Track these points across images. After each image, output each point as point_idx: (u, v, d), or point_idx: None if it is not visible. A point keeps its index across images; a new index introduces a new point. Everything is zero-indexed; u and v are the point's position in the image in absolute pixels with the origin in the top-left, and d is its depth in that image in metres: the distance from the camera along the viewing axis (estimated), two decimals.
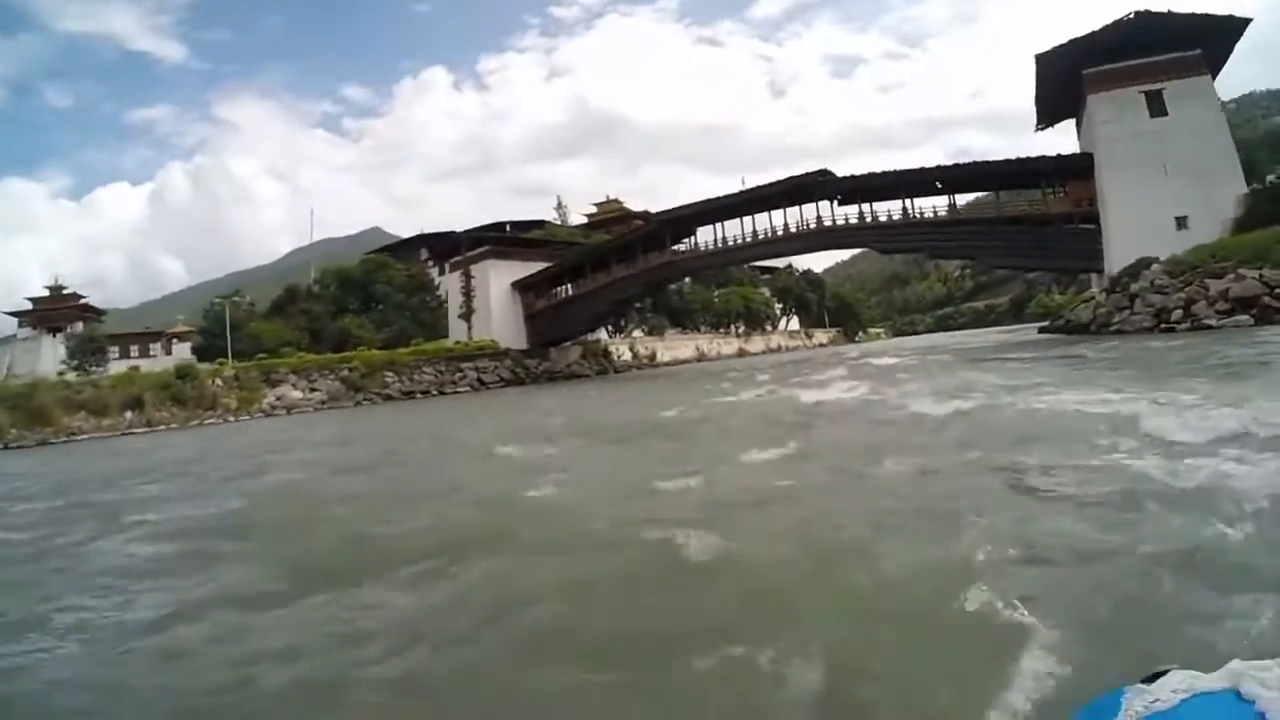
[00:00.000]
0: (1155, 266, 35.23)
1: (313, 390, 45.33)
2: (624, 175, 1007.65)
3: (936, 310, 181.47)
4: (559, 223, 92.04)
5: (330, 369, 47.40)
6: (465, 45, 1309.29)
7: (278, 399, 43.58)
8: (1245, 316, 27.99)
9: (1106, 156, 41.47)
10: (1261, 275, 29.34)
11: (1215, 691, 0.95)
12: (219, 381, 43.07)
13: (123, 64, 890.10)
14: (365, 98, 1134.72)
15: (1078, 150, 47.32)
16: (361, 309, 66.82)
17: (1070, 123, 53.26)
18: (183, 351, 63.39)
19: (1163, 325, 31.18)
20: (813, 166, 48.43)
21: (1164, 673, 1.02)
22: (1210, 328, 28.06)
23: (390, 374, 48.89)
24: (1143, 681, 1.02)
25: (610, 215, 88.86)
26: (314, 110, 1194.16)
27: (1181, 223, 38.53)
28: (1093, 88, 42.72)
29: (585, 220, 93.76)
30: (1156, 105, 41.26)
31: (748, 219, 52.04)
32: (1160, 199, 38.87)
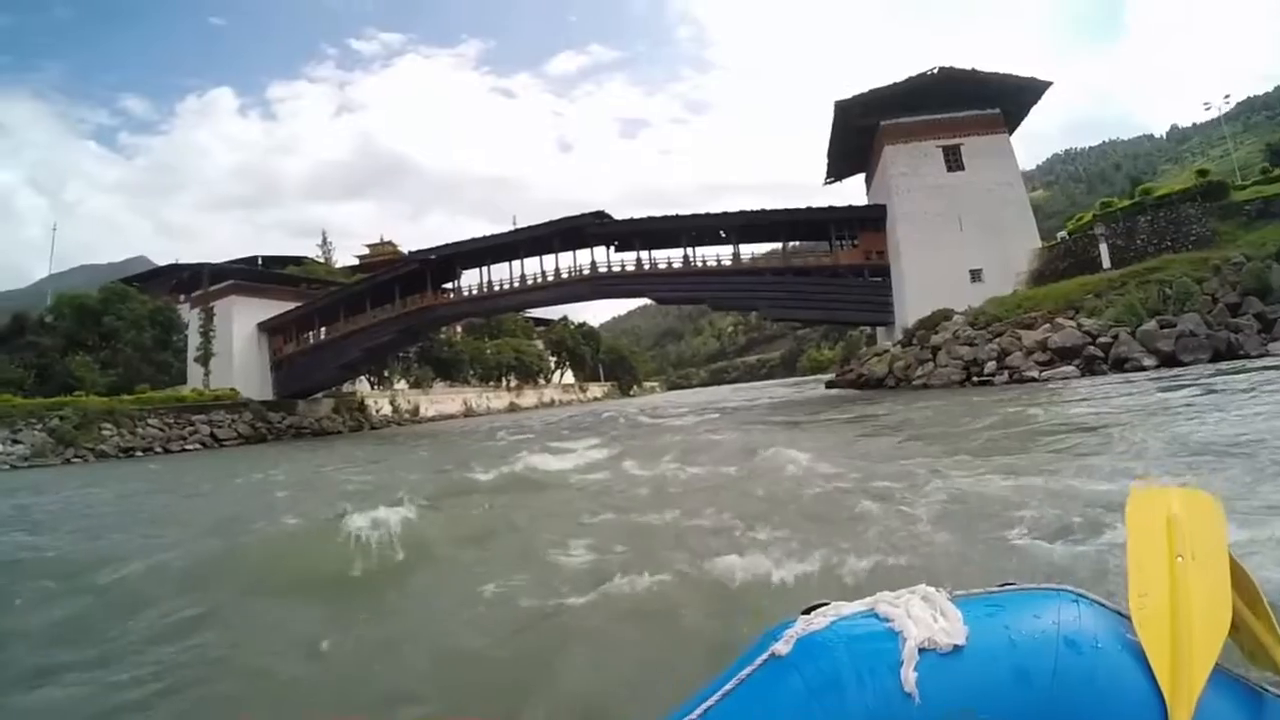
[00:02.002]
0: (958, 318, 32.86)
1: (15, 442, 36.56)
2: (408, 221, 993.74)
3: (710, 364, 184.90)
4: (321, 260, 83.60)
5: (39, 416, 38.74)
6: (256, 68, 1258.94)
7: None
8: (1069, 367, 25.15)
9: (901, 208, 39.59)
10: (1080, 325, 26.84)
11: (857, 613, 1.13)
12: None
13: None
14: (145, 111, 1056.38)
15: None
16: (98, 346, 55.94)
17: (859, 180, 51.64)
18: None
19: (975, 378, 28.18)
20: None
21: (820, 605, 1.18)
22: (1033, 379, 25.11)
23: (108, 426, 40.41)
24: (802, 612, 1.16)
25: (382, 258, 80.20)
26: (89, 119, 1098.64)
27: (976, 275, 37.52)
28: (890, 139, 40.99)
29: (356, 262, 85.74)
30: (954, 160, 40.38)
31: (518, 263, 47.20)
32: (955, 252, 37.77)
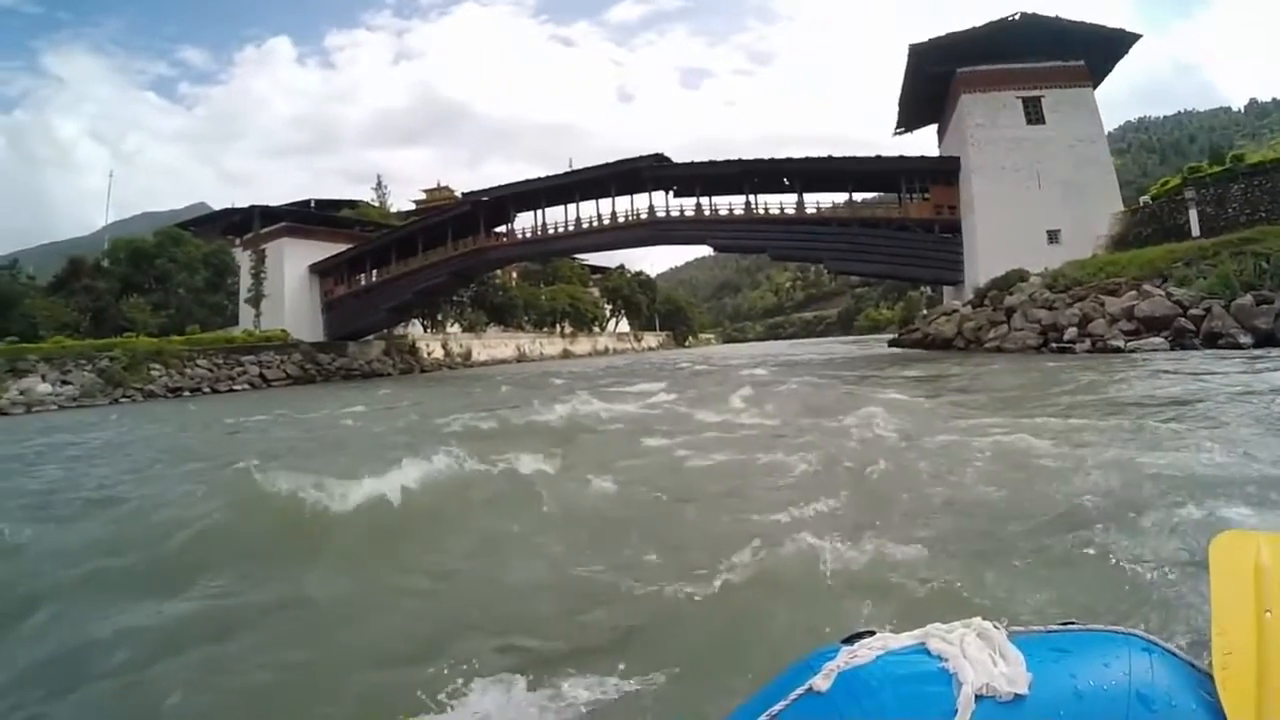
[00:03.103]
0: (1034, 279, 30.54)
1: (64, 383, 36.39)
2: (466, 167, 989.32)
3: (766, 319, 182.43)
4: (376, 204, 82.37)
5: (89, 357, 38.33)
6: (315, 17, 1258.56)
7: (20, 394, 34.35)
8: (1158, 339, 22.77)
9: (977, 161, 37.06)
10: (1169, 294, 24.33)
11: (906, 648, 1.04)
12: None
13: None
14: (204, 62, 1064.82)
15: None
16: (152, 288, 55.87)
17: (930, 133, 48.99)
18: None
19: (1054, 344, 25.86)
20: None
21: (864, 634, 1.09)
22: (1118, 350, 22.81)
23: (157, 366, 39.94)
24: (843, 641, 1.08)
25: (439, 203, 78.82)
26: (148, 70, 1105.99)
27: (1053, 236, 35.24)
28: (967, 88, 38.21)
29: (413, 207, 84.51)
30: (1034, 112, 37.57)
31: (573, 207, 45.51)
32: (1032, 210, 35.28)
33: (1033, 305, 28.33)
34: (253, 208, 60.02)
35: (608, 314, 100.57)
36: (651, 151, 41.75)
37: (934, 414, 10.62)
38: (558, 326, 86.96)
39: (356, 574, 4.55)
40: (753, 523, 5.07)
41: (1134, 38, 38.34)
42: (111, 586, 4.59)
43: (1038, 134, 36.98)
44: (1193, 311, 23.12)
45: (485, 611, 3.92)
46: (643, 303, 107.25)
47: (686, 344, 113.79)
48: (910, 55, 40.05)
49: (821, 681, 0.97)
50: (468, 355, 65.97)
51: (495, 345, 72.67)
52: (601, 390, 19.52)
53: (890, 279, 45.70)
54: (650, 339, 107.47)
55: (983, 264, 34.24)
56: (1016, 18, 36.56)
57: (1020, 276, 31.25)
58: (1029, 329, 27.34)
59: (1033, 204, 35.40)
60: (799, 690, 0.98)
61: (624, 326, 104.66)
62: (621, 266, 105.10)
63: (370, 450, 10.69)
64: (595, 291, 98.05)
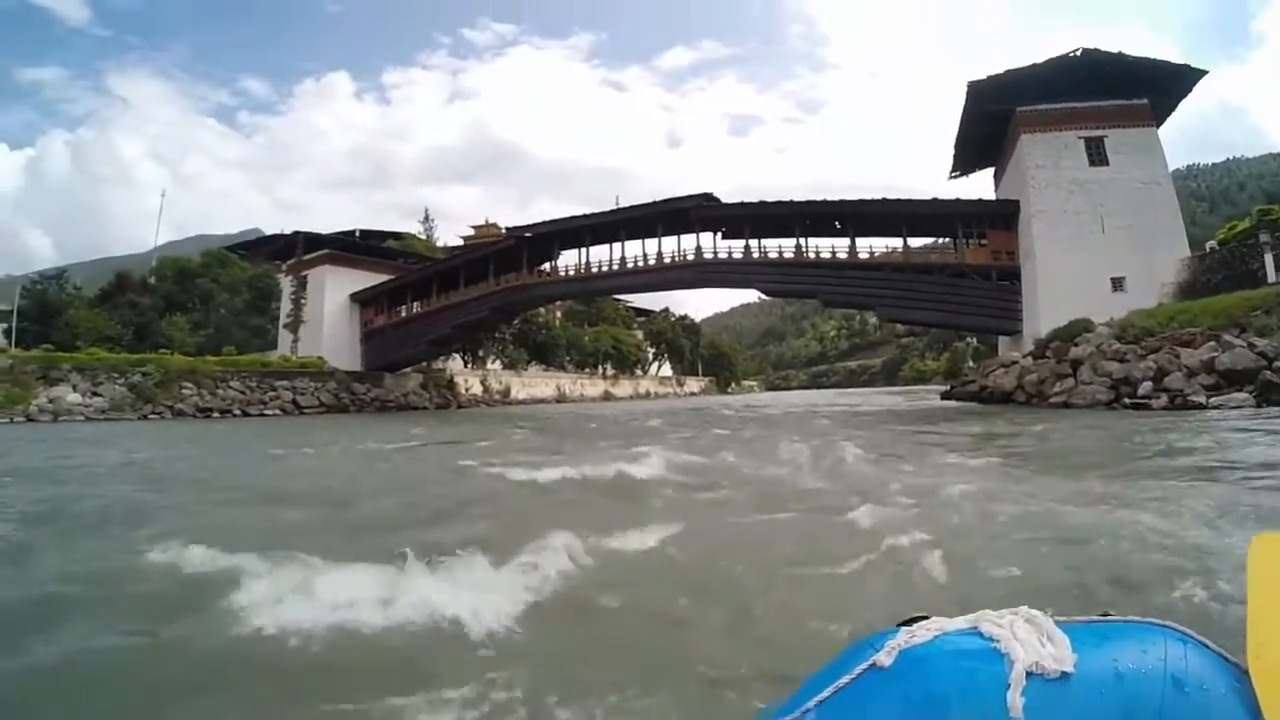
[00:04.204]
0: (1101, 329, 28.48)
1: (95, 395, 36.19)
2: (516, 207, 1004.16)
3: (810, 367, 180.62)
4: (422, 237, 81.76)
5: (122, 371, 38.10)
6: (372, 54, 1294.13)
7: (49, 401, 34.37)
8: (1242, 394, 20.68)
9: (1037, 204, 35.24)
10: (1251, 345, 22.28)
11: (960, 630, 1.08)
12: None
13: (19, 15, 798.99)
14: (264, 93, 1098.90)
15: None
16: (195, 308, 56.04)
17: (985, 178, 47.43)
18: None
19: (1127, 400, 23.67)
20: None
21: (919, 618, 1.12)
22: (1200, 406, 20.73)
23: (189, 385, 39.65)
24: (900, 624, 1.12)
25: (486, 240, 78.68)
26: (210, 97, 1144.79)
27: (1118, 284, 33.33)
28: (1026, 127, 36.47)
29: (460, 243, 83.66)
30: (1097, 153, 35.68)
31: (619, 246, 44.28)
32: (1095, 256, 33.52)
33: (1101, 357, 26.21)
34: (297, 233, 59.68)
35: (650, 357, 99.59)
36: (700, 191, 40.37)
37: (1010, 482, 9.10)
38: (600, 368, 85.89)
39: None
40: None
41: (1198, 74, 36.55)
42: None
43: (1101, 176, 35.17)
44: (1279, 364, 21.14)
45: None
46: (686, 347, 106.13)
47: (729, 390, 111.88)
48: (968, 93, 38.40)
49: (884, 658, 1.02)
50: (506, 392, 65.18)
51: (535, 384, 71.85)
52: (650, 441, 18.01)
53: (944, 328, 43.70)
54: (693, 384, 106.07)
55: (1044, 313, 32.40)
56: (1077, 54, 35.06)
57: (1085, 326, 29.24)
58: (1098, 383, 25.26)
59: (1096, 250, 33.61)
60: (863, 666, 1.03)
61: (666, 370, 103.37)
62: (666, 309, 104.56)
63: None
64: (639, 334, 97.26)
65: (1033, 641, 1.00)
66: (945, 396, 39.44)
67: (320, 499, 8.97)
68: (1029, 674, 0.95)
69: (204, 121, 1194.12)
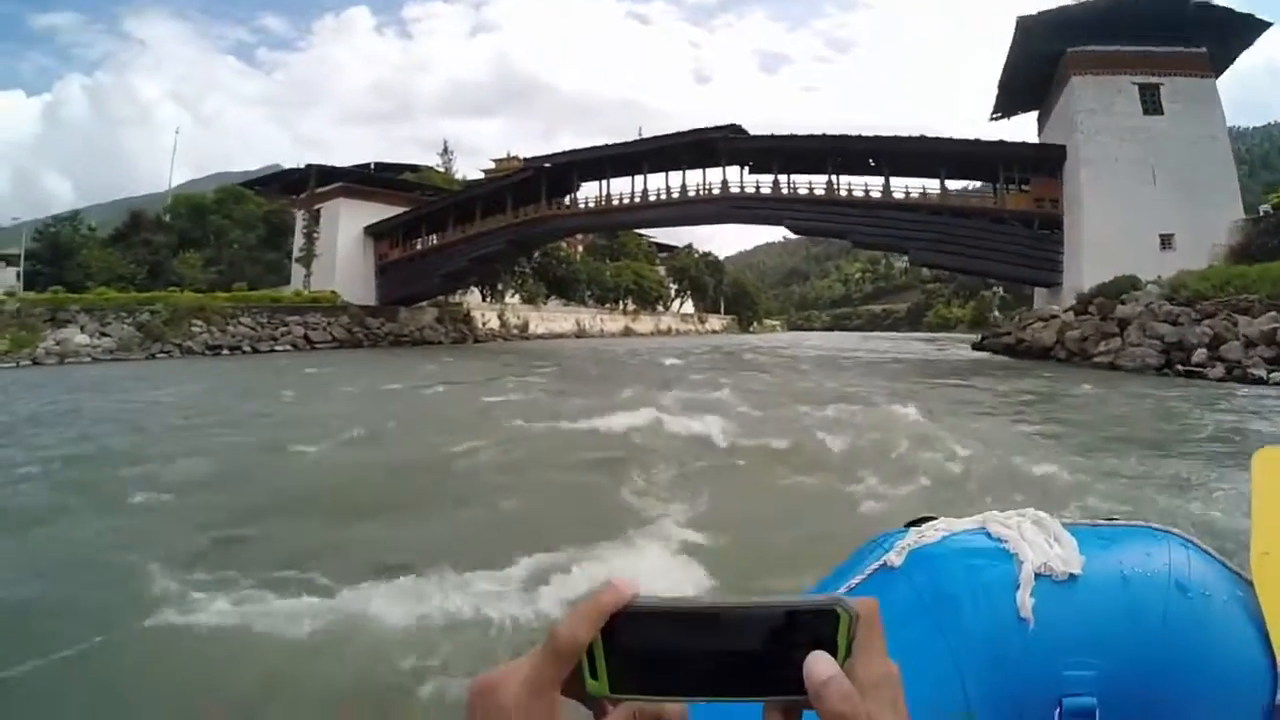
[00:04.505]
0: (1151, 288, 26.56)
1: (103, 335, 35.49)
2: (539, 139, 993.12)
3: (833, 309, 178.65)
4: (441, 170, 79.65)
5: (130, 311, 37.37)
6: None
7: (56, 343, 33.53)
8: None
9: (1086, 151, 33.03)
10: None
11: (968, 530, 1.09)
12: None
13: None
14: (283, 29, 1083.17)
15: None
16: (209, 245, 54.79)
17: (1028, 122, 44.60)
18: (8, 278, 50.12)
19: (1179, 365, 22.00)
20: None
21: (926, 518, 1.14)
22: (1260, 380, 19.09)
23: (198, 323, 38.89)
24: (906, 525, 1.14)
25: (505, 172, 76.71)
26: (228, 35, 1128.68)
27: (1166, 242, 31.24)
28: (1078, 69, 34.22)
29: (482, 176, 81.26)
30: (1151, 101, 33.51)
31: (641, 179, 42.20)
32: (1144, 211, 31.42)
33: (1152, 318, 24.48)
34: (310, 166, 57.90)
35: (673, 293, 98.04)
36: (727, 123, 38.35)
37: (1071, 461, 8.20)
38: (621, 303, 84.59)
39: None
40: None
41: (1263, 26, 34.43)
42: None
43: (1154, 126, 32.89)
44: None
45: None
46: (709, 284, 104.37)
47: (751, 329, 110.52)
48: (1016, 30, 35.97)
49: (894, 558, 1.04)
50: (524, 327, 63.97)
51: (554, 319, 70.56)
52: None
53: (979, 276, 41.65)
54: (714, 321, 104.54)
55: (1087, 266, 30.59)
56: None
57: (1132, 283, 27.45)
58: (1148, 345, 23.54)
59: (1146, 204, 31.48)
60: (874, 565, 1.05)
61: (688, 307, 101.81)
62: (689, 246, 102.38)
63: None
64: (661, 270, 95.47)
65: (1040, 543, 1.00)
66: (977, 348, 37.81)
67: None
68: (1037, 575, 0.96)
69: (223, 60, 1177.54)
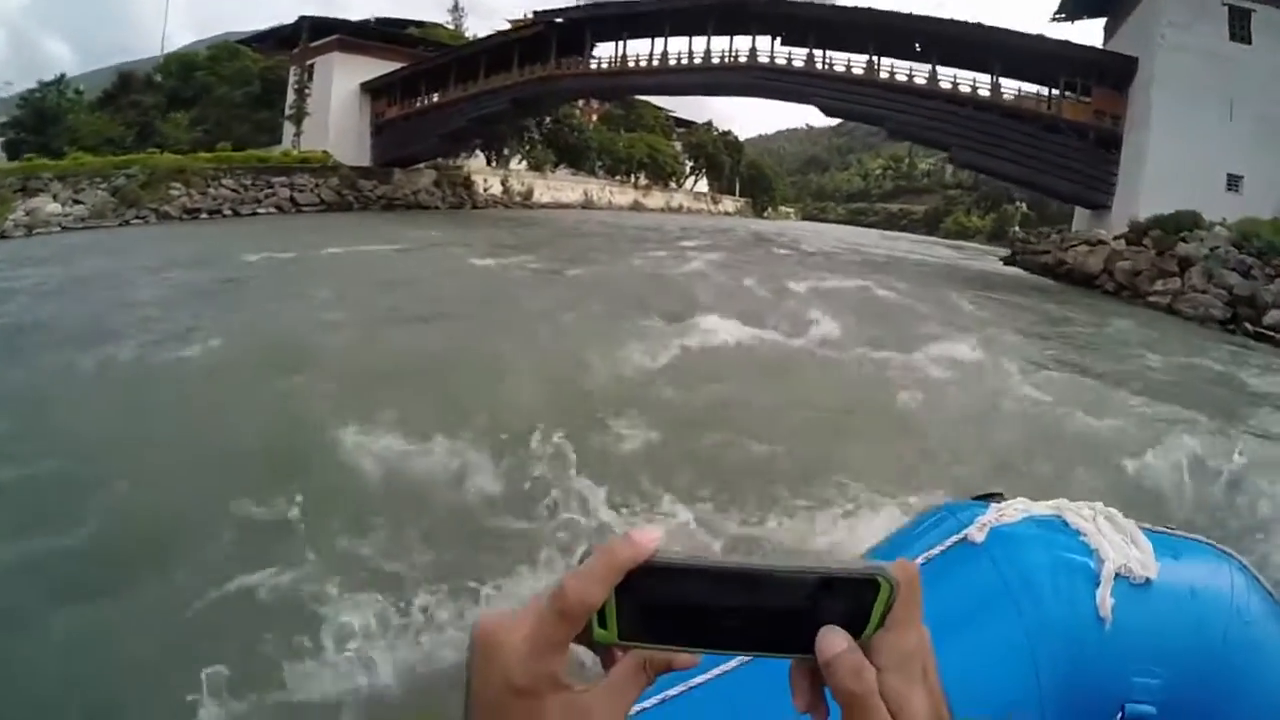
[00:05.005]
0: (1219, 229, 23.50)
1: (76, 203, 34.01)
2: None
3: (849, 203, 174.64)
4: (451, 28, 74.84)
5: (106, 175, 35.64)
6: None
7: (25, 214, 32.17)
8: None
9: (1162, 69, 29.11)
10: None
11: (1046, 516, 1.11)
12: None
13: None
14: None
15: None
16: (199, 104, 52.39)
17: (1094, 30, 40.52)
18: None
19: (1247, 323, 19.28)
20: None
21: (993, 495, 1.16)
22: None
23: (177, 185, 37.01)
24: (976, 499, 1.17)
25: (517, 29, 72.05)
26: None
27: (1233, 183, 28.02)
28: None
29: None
30: (1241, 27, 29.46)
31: (662, 42, 38.49)
32: (1214, 145, 27.70)
33: (1220, 264, 21.50)
34: (301, 19, 53.58)
35: (687, 170, 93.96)
36: None
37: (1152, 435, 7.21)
38: (632, 176, 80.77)
39: None
40: None
41: None
42: None
43: (1240, 54, 29.02)
44: None
45: None
46: (726, 164, 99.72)
47: (765, 214, 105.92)
48: None
49: (976, 533, 1.05)
50: (529, 195, 60.63)
51: (561, 188, 66.97)
52: None
53: (1024, 185, 38.16)
54: (728, 203, 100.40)
55: (1145, 193, 27.31)
56: None
57: (1195, 220, 24.42)
58: (1214, 293, 20.60)
59: (1217, 138, 27.82)
60: (955, 538, 1.05)
61: (702, 186, 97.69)
62: (709, 123, 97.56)
63: None
64: (678, 145, 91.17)
65: (1119, 542, 1.01)
66: (1009, 263, 34.89)
67: None
68: (1117, 575, 0.98)
69: None
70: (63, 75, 56.61)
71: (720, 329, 9.64)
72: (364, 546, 4.14)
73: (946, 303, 15.41)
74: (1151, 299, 22.04)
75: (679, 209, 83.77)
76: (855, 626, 0.44)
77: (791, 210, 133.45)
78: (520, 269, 15.06)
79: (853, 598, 0.44)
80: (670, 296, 10.41)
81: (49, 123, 47.02)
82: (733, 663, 1.01)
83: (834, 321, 10.71)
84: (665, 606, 0.43)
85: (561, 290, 9.58)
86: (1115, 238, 26.79)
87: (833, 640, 0.43)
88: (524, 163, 64.13)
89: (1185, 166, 26.98)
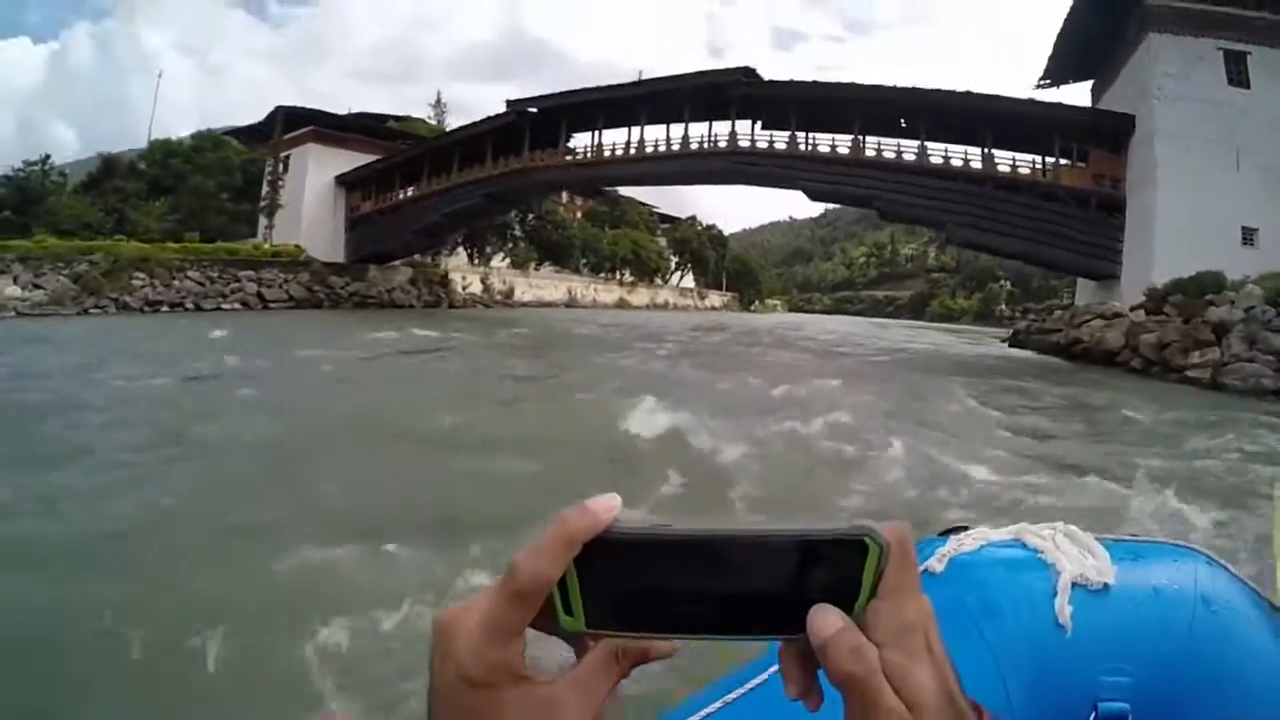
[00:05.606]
0: (1252, 288, 21.05)
1: (36, 287, 32.55)
2: None
3: (835, 292, 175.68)
4: (432, 122, 73.94)
5: (69, 260, 34.32)
6: None
7: None
8: None
9: (1163, 122, 27.56)
10: None
11: (1005, 540, 1.15)
12: None
13: None
14: None
15: None
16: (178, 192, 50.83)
17: (1080, 93, 40.41)
18: None
19: None
20: None
21: (960, 528, 1.18)
22: None
23: (140, 275, 35.39)
24: (941, 534, 1.18)
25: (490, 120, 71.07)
26: None
27: (1249, 236, 26.23)
28: (1157, 25, 28.47)
29: None
30: (1237, 71, 28.18)
31: (638, 130, 36.90)
32: (1224, 198, 26.16)
33: (1260, 326, 19.24)
34: (277, 109, 52.55)
35: (673, 266, 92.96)
36: (739, 65, 32.93)
37: None
38: (617, 273, 79.66)
39: None
40: None
41: None
42: None
43: (1240, 100, 27.54)
44: None
45: None
46: (711, 259, 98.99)
47: (752, 308, 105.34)
48: None
49: (936, 564, 1.07)
50: (510, 293, 58.89)
51: (544, 286, 65.63)
52: None
53: (1025, 260, 36.13)
54: (714, 298, 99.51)
55: (1159, 258, 25.33)
56: None
57: (1218, 281, 22.24)
58: (1262, 361, 18.28)
59: (1226, 191, 26.20)
60: None
61: (688, 281, 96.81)
62: (693, 217, 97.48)
63: None
64: (662, 241, 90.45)
65: (1075, 554, 1.04)
66: (1014, 345, 32.86)
67: None
68: (1073, 584, 1.00)
69: (230, 13, 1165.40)
70: (48, 156, 55.86)
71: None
72: None
73: (965, 404, 12.83)
74: (1190, 373, 19.56)
75: (665, 305, 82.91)
76: (844, 597, 0.40)
77: (778, 302, 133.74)
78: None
79: (838, 563, 0.40)
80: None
81: (32, 202, 46.26)
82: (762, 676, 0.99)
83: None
84: (634, 590, 0.40)
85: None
86: (1132, 308, 24.63)
87: (827, 619, 0.39)
88: (506, 260, 62.58)
89: (1198, 223, 25.36)
